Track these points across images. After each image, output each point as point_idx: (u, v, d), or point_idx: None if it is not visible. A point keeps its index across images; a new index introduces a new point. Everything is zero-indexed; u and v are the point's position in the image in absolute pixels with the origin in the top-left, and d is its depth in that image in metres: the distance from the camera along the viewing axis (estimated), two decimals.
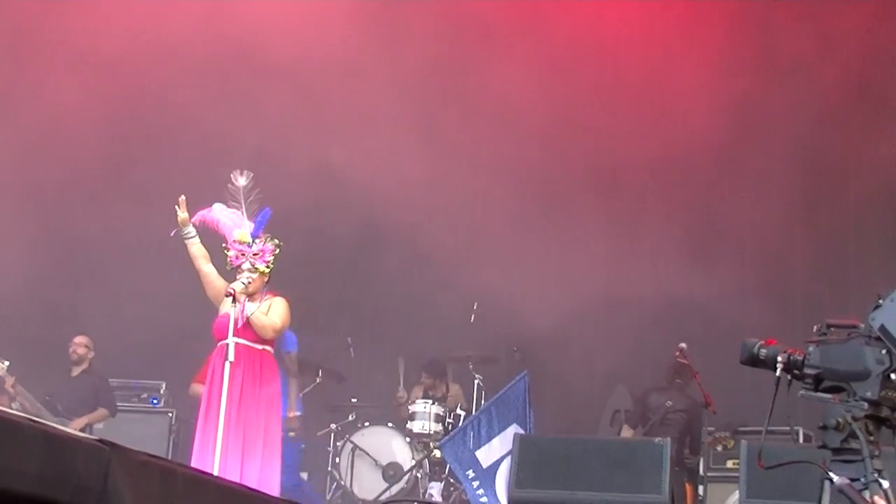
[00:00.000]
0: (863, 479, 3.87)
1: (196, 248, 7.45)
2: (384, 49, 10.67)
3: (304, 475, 10.60)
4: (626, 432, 9.94)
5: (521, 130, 11.06)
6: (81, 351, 10.19)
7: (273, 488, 6.95)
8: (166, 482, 4.25)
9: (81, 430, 9.66)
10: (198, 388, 8.72)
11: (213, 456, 6.82)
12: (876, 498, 3.82)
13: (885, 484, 3.87)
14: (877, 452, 3.95)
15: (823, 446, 4.03)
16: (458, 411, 10.52)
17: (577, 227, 10.88)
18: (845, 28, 10.54)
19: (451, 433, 9.77)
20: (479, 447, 9.32)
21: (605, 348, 10.78)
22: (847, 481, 3.86)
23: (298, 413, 9.95)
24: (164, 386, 10.80)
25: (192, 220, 7.49)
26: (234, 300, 7.15)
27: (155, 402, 10.67)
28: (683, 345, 9.90)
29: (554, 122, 10.87)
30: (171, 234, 7.54)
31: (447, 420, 10.37)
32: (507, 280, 10.49)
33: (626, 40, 11.07)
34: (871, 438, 3.95)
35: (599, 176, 11.24)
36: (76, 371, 10.24)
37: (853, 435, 3.93)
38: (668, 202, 11.19)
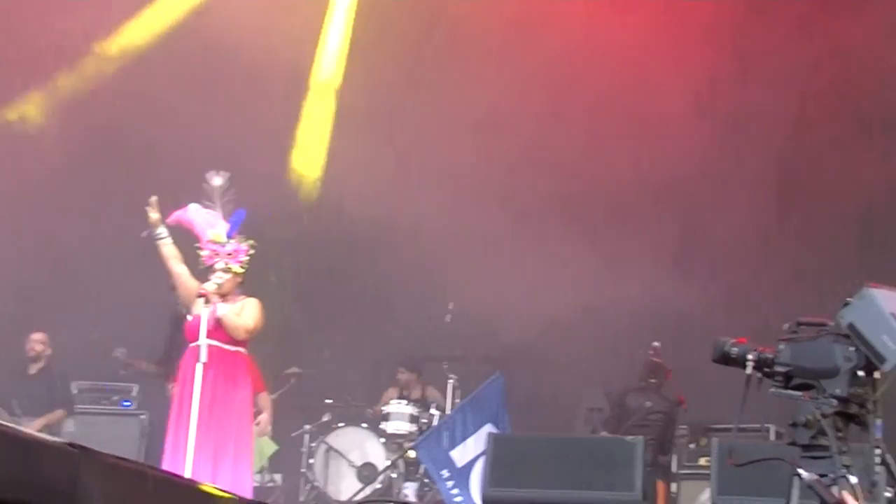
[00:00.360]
0: (831, 475, 3.90)
1: (168, 248, 7.42)
2: (362, 57, 10.68)
3: (279, 476, 10.57)
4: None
5: (501, 142, 11.04)
6: (39, 348, 10.12)
7: (245, 490, 6.92)
8: (137, 484, 4.24)
9: (39, 432, 9.58)
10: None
11: (185, 458, 6.79)
12: (844, 493, 3.85)
13: (853, 479, 3.90)
14: (845, 448, 3.98)
15: (793, 443, 4.06)
16: (433, 411, 10.52)
17: (555, 239, 10.88)
18: (824, 44, 10.63)
19: (426, 433, 9.77)
20: (453, 447, 9.33)
21: (581, 351, 10.79)
22: (816, 477, 3.89)
23: None
24: (136, 388, 10.73)
25: (168, 220, 7.45)
26: (207, 301, 7.11)
27: (127, 404, 10.60)
28: (657, 343, 9.94)
29: (534, 135, 10.88)
30: (143, 235, 7.50)
31: (421, 420, 10.37)
32: (483, 288, 10.48)
33: (605, 57, 11.08)
34: (840, 435, 3.99)
35: (577, 188, 11.25)
36: (33, 369, 10.17)
37: (822, 431, 3.96)
38: (645, 216, 11.23)
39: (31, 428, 9.50)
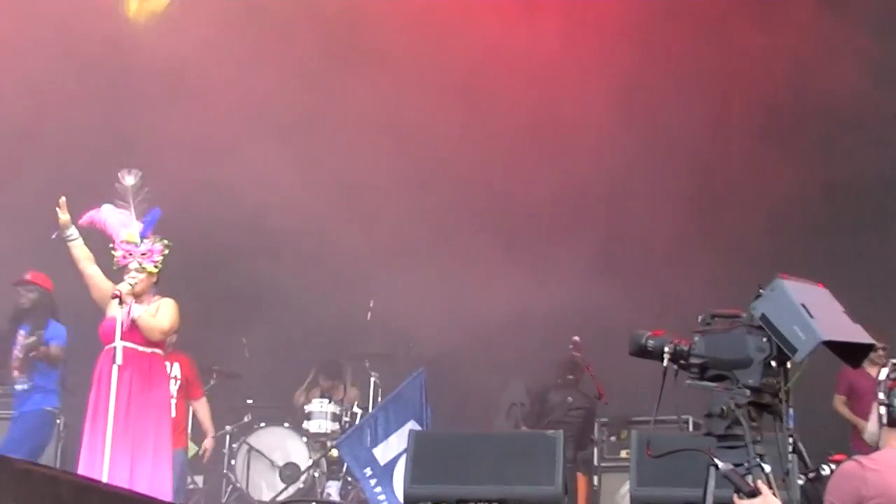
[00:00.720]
0: (746, 464, 3.96)
1: (79, 250, 7.29)
2: (271, 65, 10.61)
3: (200, 478, 10.46)
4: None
5: (416, 153, 11.03)
6: None
7: (165, 493, 6.84)
8: (50, 490, 4.17)
9: None
10: None
11: (102, 461, 6.68)
12: (759, 482, 3.91)
13: (767, 468, 3.96)
14: (759, 438, 4.04)
15: (709, 433, 4.11)
16: (355, 409, 10.49)
17: (475, 248, 10.90)
18: (745, 47, 10.80)
19: (348, 432, 9.75)
20: (376, 445, 9.31)
21: (503, 350, 10.83)
22: (731, 467, 3.94)
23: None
24: None
25: (81, 220, 7.33)
26: (121, 302, 7.01)
27: None
28: (576, 338, 10.04)
29: (454, 146, 10.89)
30: (53, 237, 7.36)
31: (344, 419, 10.34)
32: (403, 295, 10.45)
33: (521, 64, 11.14)
34: (754, 424, 4.05)
35: (499, 199, 11.29)
36: None
37: (737, 421, 4.01)
38: (565, 225, 11.31)
39: None
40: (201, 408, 9.71)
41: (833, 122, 10.89)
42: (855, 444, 8.35)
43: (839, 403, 9.44)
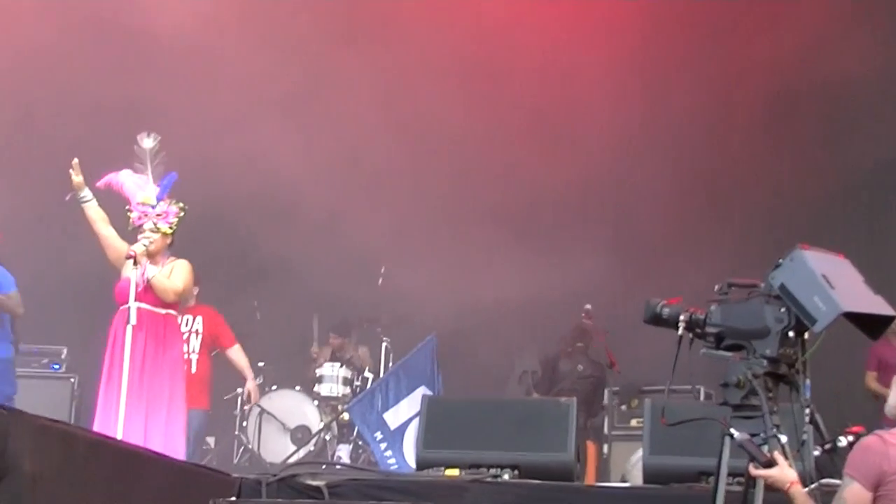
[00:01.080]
0: (762, 435, 3.96)
1: (93, 211, 7.29)
2: (279, 31, 10.61)
3: (212, 439, 10.51)
4: None
5: (426, 126, 11.02)
6: None
7: (178, 452, 6.87)
8: (67, 446, 4.21)
9: None
10: None
11: (116, 421, 6.72)
12: (774, 453, 3.91)
13: (784, 438, 3.97)
14: (775, 408, 4.04)
15: (724, 403, 4.11)
16: (366, 374, 10.52)
17: (487, 232, 10.93)
18: (747, 48, 10.75)
19: (359, 396, 9.80)
20: (386, 409, 9.36)
21: (516, 323, 10.84)
22: (747, 436, 3.94)
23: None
24: (65, 351, 10.58)
25: (98, 183, 7.34)
26: (136, 262, 7.01)
27: (56, 367, 10.46)
28: (588, 306, 10.04)
29: (462, 122, 10.87)
30: (66, 199, 7.36)
31: (355, 383, 10.38)
32: (416, 272, 10.45)
33: (532, 48, 11.08)
34: (770, 395, 4.05)
35: (508, 182, 11.27)
36: None
37: (753, 391, 4.01)
38: (577, 205, 11.32)
39: None
40: (235, 354, 9.44)
41: (847, 107, 10.86)
42: (887, 420, 8.27)
43: (871, 380, 9.17)
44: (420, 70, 10.82)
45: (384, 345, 10.60)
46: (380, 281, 10.85)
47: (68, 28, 10.16)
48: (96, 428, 6.72)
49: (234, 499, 5.28)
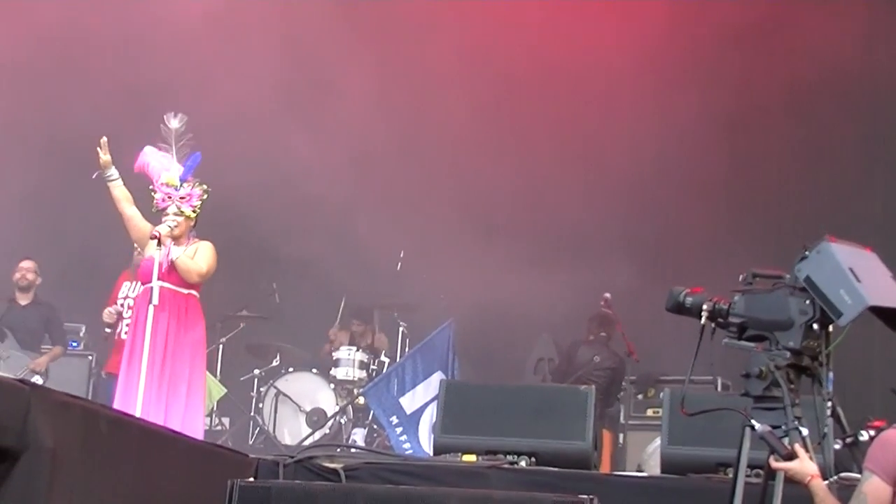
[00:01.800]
0: (784, 427, 3.94)
1: (119, 190, 7.31)
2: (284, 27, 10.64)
3: (227, 420, 10.55)
4: None
5: (438, 121, 11.02)
6: (30, 276, 9.89)
7: (197, 432, 6.90)
8: (88, 422, 4.22)
9: (40, 373, 9.49)
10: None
11: (136, 399, 6.75)
12: (796, 445, 3.90)
13: (805, 431, 3.95)
14: (797, 401, 4.02)
15: (746, 394, 4.10)
16: (383, 358, 10.53)
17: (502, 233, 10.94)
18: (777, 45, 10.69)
19: (375, 380, 9.80)
20: (402, 394, 9.36)
21: (534, 308, 10.84)
22: (768, 428, 3.93)
23: None
24: (83, 329, 10.63)
25: (135, 166, 7.35)
26: (160, 243, 7.04)
27: (74, 344, 10.49)
28: (608, 294, 10.00)
29: (477, 119, 10.88)
30: (93, 177, 7.38)
31: (371, 367, 10.39)
32: (433, 271, 10.47)
33: (550, 46, 11.08)
34: (792, 387, 4.03)
35: (529, 181, 11.29)
36: (23, 299, 9.93)
37: (775, 383, 4.00)
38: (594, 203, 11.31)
39: (34, 367, 9.49)
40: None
41: (870, 105, 10.81)
42: None
43: None
44: (442, 64, 10.82)
45: (401, 329, 10.61)
46: (398, 266, 10.84)
47: (80, 20, 10.21)
48: (116, 406, 6.75)
49: (252, 479, 5.29)
